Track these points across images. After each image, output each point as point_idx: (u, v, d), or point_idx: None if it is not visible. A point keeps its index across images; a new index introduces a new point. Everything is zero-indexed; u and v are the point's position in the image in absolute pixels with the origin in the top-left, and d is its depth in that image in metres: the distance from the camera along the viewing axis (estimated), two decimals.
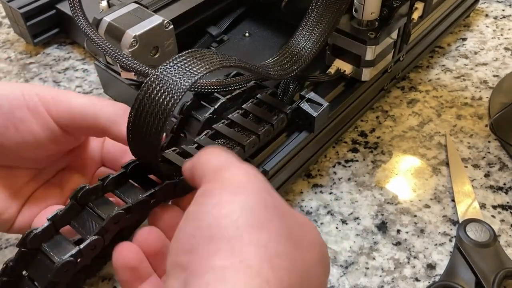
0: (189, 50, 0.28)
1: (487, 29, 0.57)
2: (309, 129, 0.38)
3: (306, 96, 0.38)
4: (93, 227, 0.27)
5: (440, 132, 0.46)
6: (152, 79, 0.27)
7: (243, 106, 0.38)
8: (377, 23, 0.40)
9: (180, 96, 0.26)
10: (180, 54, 0.28)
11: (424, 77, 0.51)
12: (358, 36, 0.39)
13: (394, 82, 0.49)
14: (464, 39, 0.56)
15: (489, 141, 0.45)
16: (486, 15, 0.59)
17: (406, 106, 0.48)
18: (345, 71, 0.41)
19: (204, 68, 0.27)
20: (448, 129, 0.46)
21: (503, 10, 0.60)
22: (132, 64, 0.39)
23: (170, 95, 0.26)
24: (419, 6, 0.42)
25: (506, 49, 0.54)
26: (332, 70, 0.41)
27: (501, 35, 0.56)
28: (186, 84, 0.26)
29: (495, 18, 0.59)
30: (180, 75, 0.27)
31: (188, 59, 0.28)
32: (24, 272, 0.27)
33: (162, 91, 0.26)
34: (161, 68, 0.27)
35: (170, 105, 0.26)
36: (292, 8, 0.45)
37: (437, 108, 0.48)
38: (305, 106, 0.37)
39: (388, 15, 0.39)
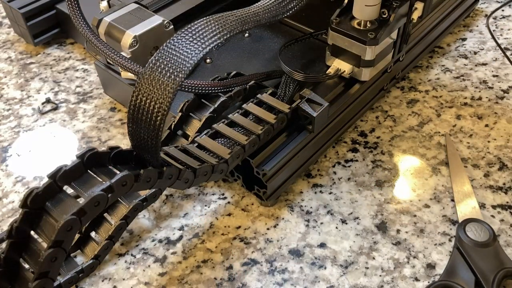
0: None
1: (486, 29, 0.57)
2: (309, 129, 0.38)
3: (306, 96, 0.38)
4: (95, 188, 0.27)
5: (440, 132, 0.46)
6: (158, 55, 0.26)
7: (243, 106, 0.38)
8: (377, 23, 0.40)
9: (190, 68, 0.26)
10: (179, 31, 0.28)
11: (423, 77, 0.51)
12: (358, 36, 0.39)
13: (394, 82, 0.49)
14: (464, 39, 0.56)
15: (488, 141, 0.45)
16: (486, 15, 0.59)
17: (405, 106, 0.48)
18: (344, 71, 0.41)
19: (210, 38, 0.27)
20: (448, 129, 0.46)
21: (502, 10, 0.60)
22: (128, 64, 0.39)
23: (178, 70, 0.26)
24: (419, 6, 0.42)
25: (506, 49, 0.54)
26: (331, 70, 0.41)
27: (501, 35, 0.56)
28: (195, 57, 0.26)
29: (495, 18, 0.59)
30: (188, 47, 0.27)
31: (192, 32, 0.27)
32: (32, 233, 0.27)
33: (169, 65, 0.26)
34: (166, 44, 0.26)
35: (178, 78, 0.26)
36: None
37: (436, 108, 0.48)
38: (305, 106, 0.37)
39: (387, 16, 0.39)
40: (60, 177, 0.26)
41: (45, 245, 0.26)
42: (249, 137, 0.35)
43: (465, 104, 0.48)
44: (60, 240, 0.25)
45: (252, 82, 0.40)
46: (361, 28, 0.40)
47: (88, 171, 0.28)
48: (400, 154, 0.44)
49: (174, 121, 0.38)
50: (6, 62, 0.55)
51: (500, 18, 0.58)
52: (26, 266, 0.29)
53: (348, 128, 0.46)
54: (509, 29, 0.57)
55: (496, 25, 0.58)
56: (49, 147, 0.46)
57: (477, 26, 0.58)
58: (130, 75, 0.43)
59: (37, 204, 0.26)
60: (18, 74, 0.53)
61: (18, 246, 0.28)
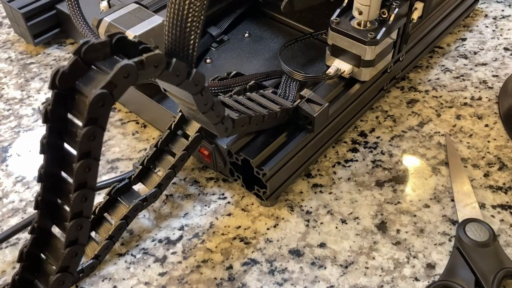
0: None
1: (486, 29, 0.57)
2: (309, 129, 0.38)
3: (305, 96, 0.38)
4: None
5: (440, 132, 0.46)
6: None
7: (247, 94, 0.38)
8: (376, 23, 0.40)
9: None
10: None
11: (423, 77, 0.51)
12: (358, 36, 0.39)
13: (394, 82, 0.49)
14: (464, 39, 0.56)
15: (488, 141, 0.45)
16: (486, 15, 0.59)
17: (405, 106, 0.48)
18: (344, 71, 0.41)
19: None
20: (448, 129, 0.46)
21: (502, 10, 0.60)
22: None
23: None
24: (419, 6, 0.42)
25: (506, 49, 0.54)
26: (331, 70, 0.41)
27: (501, 35, 0.56)
28: None
29: (495, 18, 0.59)
30: None
31: None
32: (69, 115, 0.26)
33: None
34: None
35: None
36: (292, 9, 0.45)
37: (436, 108, 0.48)
38: (305, 106, 0.37)
39: (387, 16, 0.40)
40: (85, 52, 0.24)
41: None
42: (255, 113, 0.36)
43: (465, 104, 0.48)
44: (94, 117, 0.24)
45: (252, 82, 0.40)
46: (361, 28, 0.40)
47: (115, 56, 0.25)
48: (400, 154, 0.44)
49: (174, 121, 0.38)
50: (6, 62, 0.55)
51: (500, 18, 0.59)
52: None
53: (348, 128, 0.46)
54: (509, 29, 0.57)
55: (496, 25, 0.58)
56: None
57: (477, 26, 0.58)
58: None
59: (66, 84, 0.25)
60: (18, 74, 0.53)
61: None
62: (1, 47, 0.57)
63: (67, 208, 0.28)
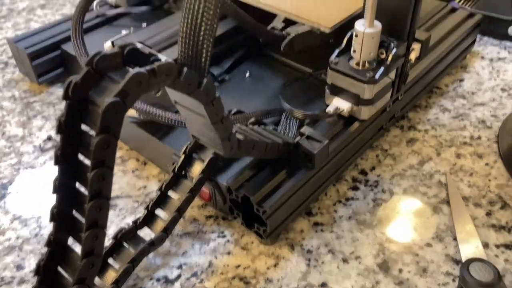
0: None
1: (483, 70, 0.58)
2: (309, 166, 0.38)
3: (306, 133, 0.38)
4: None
5: (440, 170, 0.46)
6: None
7: (250, 126, 0.38)
8: (375, 63, 0.41)
9: None
10: None
11: (422, 116, 0.52)
12: (357, 75, 0.40)
13: (393, 121, 0.49)
14: (461, 80, 0.57)
15: (489, 180, 0.44)
16: (482, 57, 0.60)
17: (405, 145, 0.48)
18: (344, 109, 0.42)
19: None
20: (448, 168, 0.46)
21: (498, 52, 0.61)
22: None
23: None
24: (416, 47, 0.43)
25: (503, 90, 0.55)
26: (331, 108, 0.42)
27: (497, 76, 0.57)
28: None
29: (491, 60, 0.60)
30: None
31: None
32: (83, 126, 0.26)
33: None
34: None
35: None
36: (291, 49, 0.46)
37: (436, 147, 0.48)
38: (305, 143, 0.38)
39: (385, 56, 0.40)
40: (97, 63, 0.24)
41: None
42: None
43: (465, 143, 0.49)
44: (107, 126, 0.24)
45: (253, 119, 0.40)
46: (360, 68, 0.40)
47: (127, 66, 0.26)
48: (401, 193, 0.44)
49: (177, 164, 0.38)
50: (9, 100, 0.56)
51: (496, 60, 0.60)
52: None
53: (349, 166, 0.46)
54: (505, 71, 0.58)
55: (492, 66, 0.59)
56: (48, 185, 0.45)
57: (474, 67, 0.59)
58: (132, 112, 0.43)
59: (79, 95, 0.24)
60: (21, 112, 0.54)
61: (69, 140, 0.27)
62: (6, 86, 0.58)
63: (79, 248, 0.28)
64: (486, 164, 0.46)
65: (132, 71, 0.24)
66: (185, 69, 0.26)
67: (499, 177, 0.45)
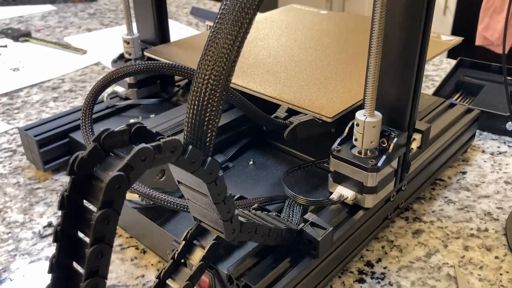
0: None
1: (485, 163, 0.59)
2: (313, 254, 0.37)
3: (309, 219, 0.38)
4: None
5: (448, 263, 0.44)
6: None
7: (252, 211, 0.37)
8: (377, 152, 0.41)
9: None
10: None
11: (427, 208, 0.51)
12: (359, 163, 0.40)
13: (398, 211, 0.49)
14: (464, 173, 0.57)
15: (500, 274, 0.43)
16: (483, 151, 0.61)
17: (411, 236, 0.47)
18: (348, 197, 0.41)
19: None
20: (457, 260, 0.44)
21: (498, 147, 0.62)
22: (138, 187, 0.40)
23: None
24: (417, 137, 0.44)
25: (507, 182, 0.55)
26: (335, 196, 0.41)
27: (500, 169, 0.57)
28: None
29: (492, 154, 0.60)
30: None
31: None
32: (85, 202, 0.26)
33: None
34: None
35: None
36: (294, 137, 0.47)
37: (443, 238, 0.47)
38: (309, 229, 0.37)
39: (387, 145, 0.41)
40: (104, 139, 0.25)
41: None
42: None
43: (472, 235, 0.47)
44: (109, 200, 0.24)
45: (256, 205, 0.40)
46: (362, 156, 0.41)
47: (133, 145, 0.26)
48: (409, 286, 0.42)
49: (177, 250, 0.37)
50: (14, 187, 0.56)
51: (497, 154, 0.60)
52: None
53: (354, 257, 0.44)
54: (507, 164, 0.58)
55: (494, 160, 0.59)
56: (44, 272, 0.44)
57: (476, 160, 0.59)
58: (134, 196, 0.43)
59: (84, 170, 0.25)
60: (23, 199, 0.54)
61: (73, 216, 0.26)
62: (12, 173, 0.58)
63: None
64: (496, 257, 0.45)
65: (138, 146, 0.24)
66: (190, 147, 0.26)
67: (511, 271, 0.43)
